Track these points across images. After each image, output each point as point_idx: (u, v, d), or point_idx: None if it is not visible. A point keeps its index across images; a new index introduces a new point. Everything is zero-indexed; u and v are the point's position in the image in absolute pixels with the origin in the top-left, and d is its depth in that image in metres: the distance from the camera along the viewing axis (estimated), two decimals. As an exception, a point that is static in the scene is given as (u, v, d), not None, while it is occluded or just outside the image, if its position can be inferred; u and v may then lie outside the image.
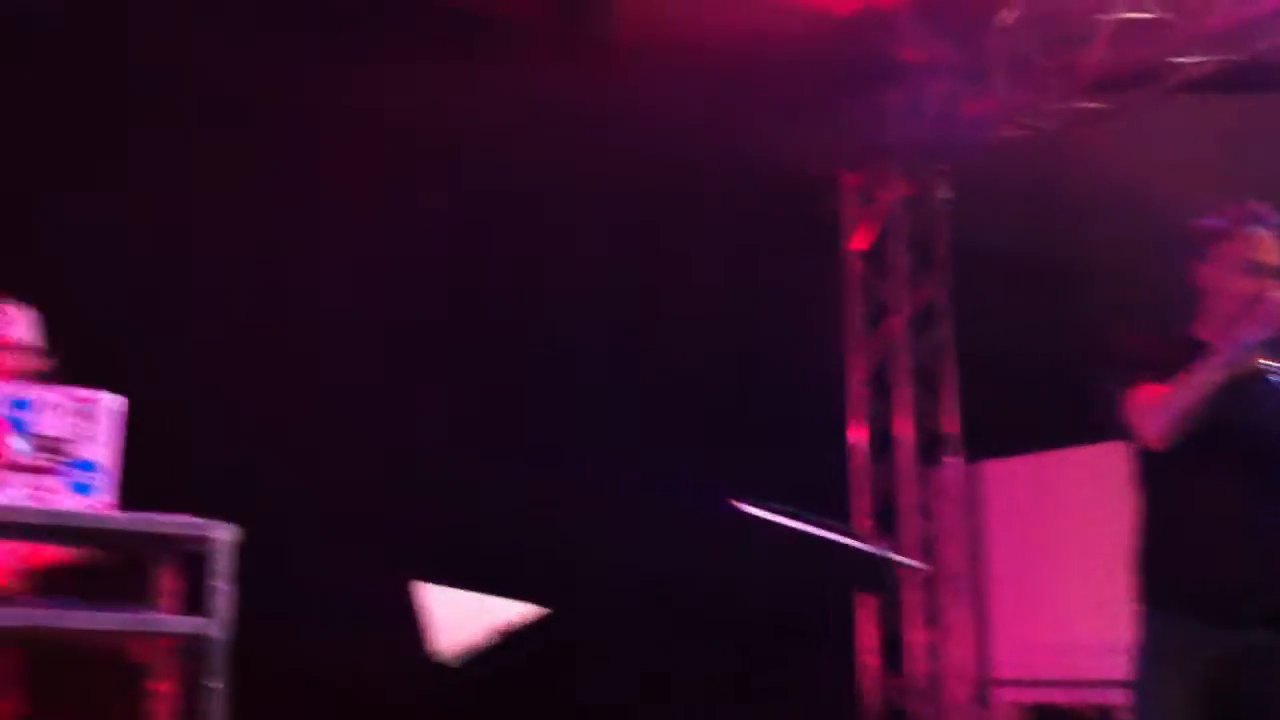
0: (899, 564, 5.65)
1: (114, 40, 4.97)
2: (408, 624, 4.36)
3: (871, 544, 5.17)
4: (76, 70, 4.92)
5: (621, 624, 5.65)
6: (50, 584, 3.75)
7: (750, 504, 4.22)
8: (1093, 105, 6.58)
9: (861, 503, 7.41)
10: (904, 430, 7.49)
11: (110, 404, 3.42)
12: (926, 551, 7.37)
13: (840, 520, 6.76)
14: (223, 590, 3.68)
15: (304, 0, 5.42)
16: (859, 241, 7.62)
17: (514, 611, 4.38)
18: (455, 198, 5.69)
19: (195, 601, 3.72)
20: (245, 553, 3.51)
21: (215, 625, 3.59)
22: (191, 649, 3.62)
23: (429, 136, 5.56)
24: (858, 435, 7.48)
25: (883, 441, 7.49)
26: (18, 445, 3.26)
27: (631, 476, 5.80)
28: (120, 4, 4.97)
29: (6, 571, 3.67)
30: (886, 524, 7.36)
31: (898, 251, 7.61)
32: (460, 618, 4.29)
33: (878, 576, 5.11)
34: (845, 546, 4.62)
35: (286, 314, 5.27)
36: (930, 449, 7.52)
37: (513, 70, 5.64)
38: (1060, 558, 7.00)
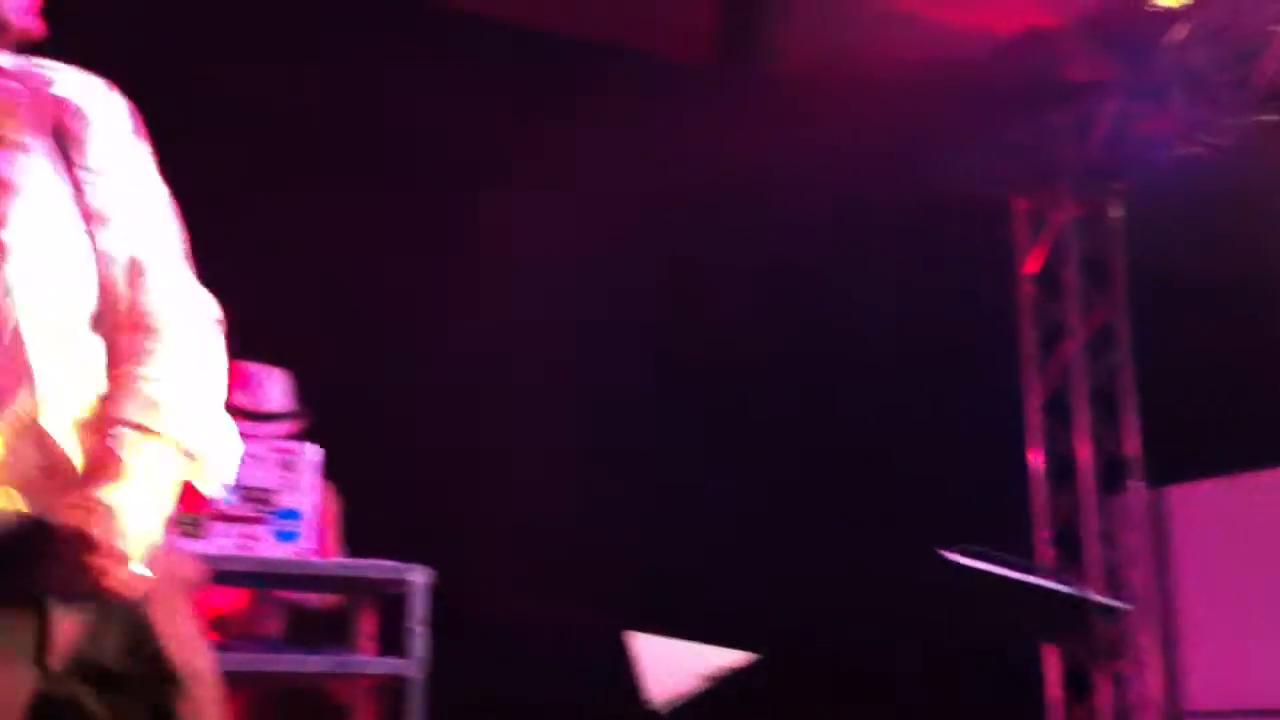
0: (1104, 607, 5.50)
1: (369, 105, 5.13)
2: (613, 670, 4.39)
3: (1074, 586, 5.04)
4: (329, 134, 5.08)
5: (814, 666, 5.62)
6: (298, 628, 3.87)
7: (957, 552, 4.16)
8: (1271, 118, 6.40)
9: (1042, 531, 7.28)
10: (1084, 455, 7.35)
11: (311, 454, 3.54)
12: (1111, 580, 7.21)
13: (1026, 555, 6.65)
14: (420, 632, 3.77)
15: (462, 55, 5.53)
16: (1031, 265, 7.52)
17: (722, 658, 4.37)
18: (621, 239, 5.75)
19: (390, 643, 3.82)
20: (444, 597, 3.58)
21: (414, 666, 3.68)
22: (391, 690, 3.72)
23: (595, 179, 5.63)
24: (1036, 461, 7.36)
25: (1062, 468, 7.36)
26: (225, 497, 3.39)
27: (808, 512, 5.78)
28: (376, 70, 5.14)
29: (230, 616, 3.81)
30: (1069, 552, 7.22)
31: (1070, 273, 7.48)
32: (669, 665, 4.30)
33: (1083, 622, 4.96)
34: (1052, 593, 4.53)
35: (482, 361, 5.37)
36: (1112, 474, 7.36)
37: (673, 109, 5.68)
38: (1254, 584, 6.79)
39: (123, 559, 1.70)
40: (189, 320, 1.89)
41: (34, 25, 1.83)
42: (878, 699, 5.71)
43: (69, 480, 1.73)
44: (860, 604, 5.47)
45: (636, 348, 5.73)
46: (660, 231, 5.79)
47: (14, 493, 1.69)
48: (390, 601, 3.75)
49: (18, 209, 1.75)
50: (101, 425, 1.76)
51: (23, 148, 1.80)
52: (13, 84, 1.83)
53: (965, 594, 4.38)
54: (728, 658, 4.38)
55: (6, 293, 1.71)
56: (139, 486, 1.73)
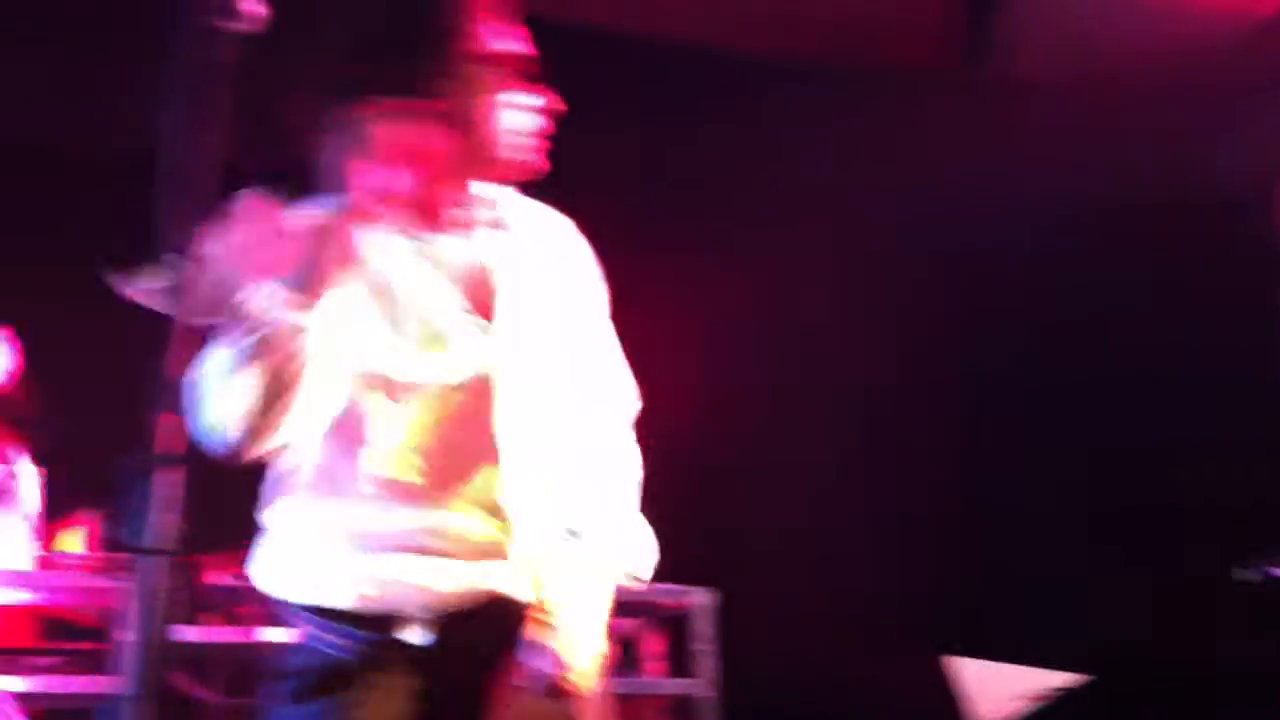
0: None
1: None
2: (938, 697, 4.37)
3: None
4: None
5: (1133, 685, 5.46)
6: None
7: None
8: None
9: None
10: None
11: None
12: None
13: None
14: (706, 653, 3.84)
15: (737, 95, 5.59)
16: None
17: (1049, 680, 4.32)
18: (873, 258, 5.74)
19: (678, 664, 3.90)
20: (730, 618, 3.65)
21: (703, 686, 3.75)
22: (681, 710, 3.80)
23: (840, 198, 5.63)
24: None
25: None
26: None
27: (1107, 525, 5.61)
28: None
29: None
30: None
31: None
32: (994, 687, 4.27)
33: None
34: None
35: (756, 374, 5.42)
36: None
37: (912, 123, 5.65)
38: None
39: (573, 670, 1.92)
40: (631, 457, 2.13)
41: (538, 164, 1.98)
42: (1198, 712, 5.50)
43: (513, 553, 1.93)
44: (1175, 621, 5.29)
45: (901, 352, 5.70)
46: (912, 238, 5.76)
47: (467, 563, 1.90)
48: (676, 623, 3.84)
49: (507, 310, 1.97)
50: (566, 549, 1.98)
51: (508, 264, 2.00)
52: (498, 214, 2.01)
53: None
54: (1055, 679, 4.31)
55: (492, 384, 1.92)
56: (591, 607, 1.97)
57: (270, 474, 1.96)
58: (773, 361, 5.48)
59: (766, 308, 5.56)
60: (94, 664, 3.47)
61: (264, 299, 1.74)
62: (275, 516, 1.97)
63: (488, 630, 1.90)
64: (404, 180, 1.89)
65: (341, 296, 1.81)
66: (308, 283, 1.76)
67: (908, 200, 5.64)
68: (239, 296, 1.73)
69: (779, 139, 5.54)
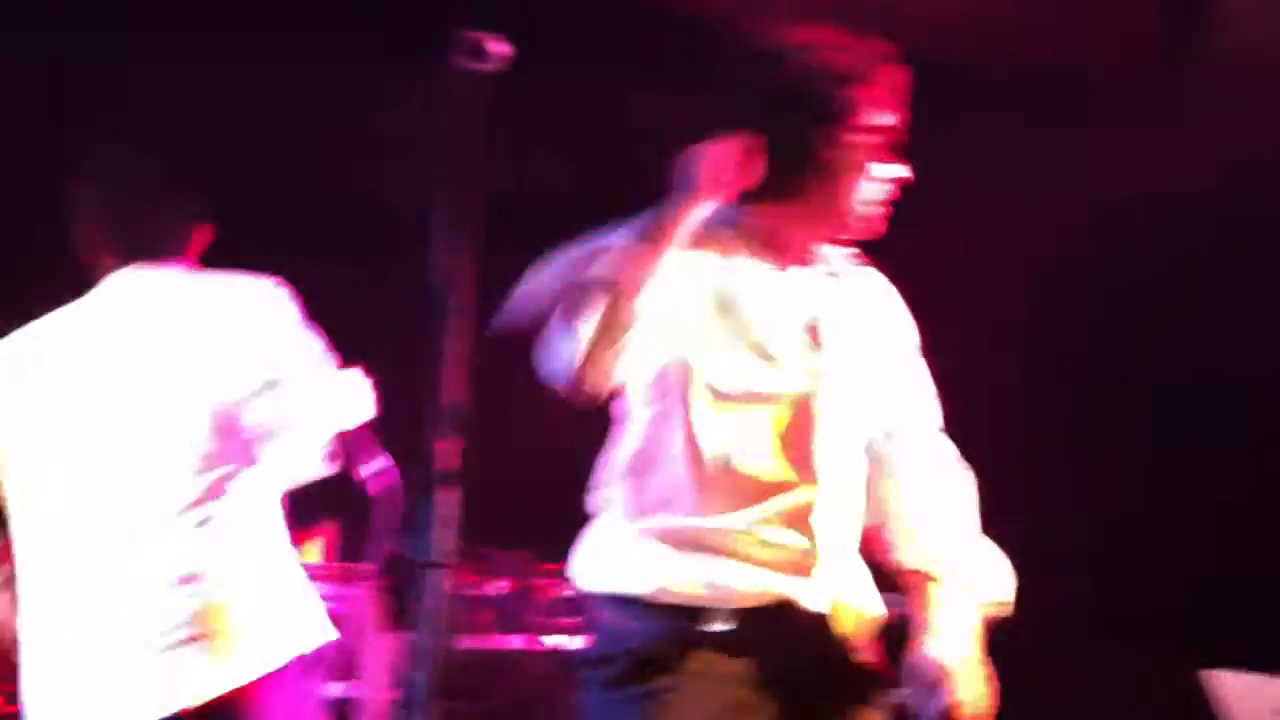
0: None
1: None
2: (1195, 714, 4.28)
3: None
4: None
5: None
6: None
7: None
8: None
9: None
10: None
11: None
12: None
13: None
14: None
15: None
16: None
17: None
18: (1081, 270, 5.66)
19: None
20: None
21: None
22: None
23: (1032, 209, 5.56)
24: None
25: None
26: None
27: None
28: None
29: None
30: None
31: None
32: (1258, 702, 4.17)
33: None
34: None
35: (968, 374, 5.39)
36: None
37: (1122, 113, 5.54)
38: None
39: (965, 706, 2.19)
40: (968, 482, 2.31)
41: (878, 228, 2.20)
42: None
43: (818, 569, 2.11)
44: None
45: (1099, 349, 5.61)
46: (1117, 234, 5.66)
47: (772, 571, 2.06)
48: (895, 631, 3.83)
49: (835, 341, 2.17)
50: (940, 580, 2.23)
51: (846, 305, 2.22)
52: (837, 263, 2.24)
53: None
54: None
55: (816, 405, 2.10)
56: (958, 628, 2.21)
57: (599, 470, 2.14)
58: (978, 353, 5.44)
59: (968, 303, 5.52)
60: (339, 670, 3.64)
61: (613, 254, 1.94)
62: (596, 511, 2.14)
63: (788, 636, 2.06)
64: (772, 218, 2.12)
65: (683, 292, 1.97)
66: (650, 239, 1.93)
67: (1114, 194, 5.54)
68: (594, 263, 1.94)
69: (973, 139, 5.50)
